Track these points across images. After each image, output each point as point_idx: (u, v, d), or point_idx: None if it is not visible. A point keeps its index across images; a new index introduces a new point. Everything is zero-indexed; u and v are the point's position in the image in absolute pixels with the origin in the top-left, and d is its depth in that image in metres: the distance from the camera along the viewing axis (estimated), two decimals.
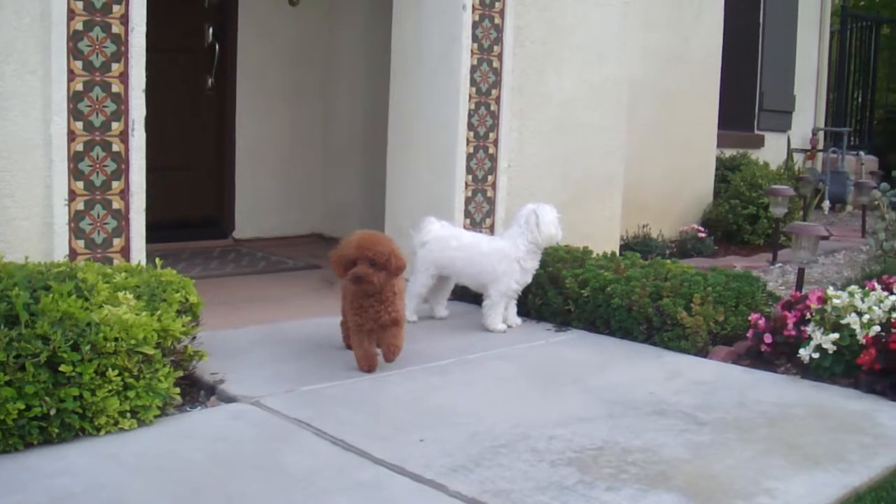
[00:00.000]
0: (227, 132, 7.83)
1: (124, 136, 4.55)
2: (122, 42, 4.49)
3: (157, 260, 4.32)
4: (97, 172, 4.50)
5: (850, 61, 15.59)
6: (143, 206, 4.65)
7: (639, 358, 4.78)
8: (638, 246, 7.81)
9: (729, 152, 10.16)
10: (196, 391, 4.01)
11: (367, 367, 4.29)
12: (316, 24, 8.25)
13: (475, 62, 5.90)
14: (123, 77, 4.53)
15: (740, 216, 8.99)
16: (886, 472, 3.28)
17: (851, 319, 4.40)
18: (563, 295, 5.34)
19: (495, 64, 6.01)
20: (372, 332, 4.27)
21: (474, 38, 5.88)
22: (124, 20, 4.49)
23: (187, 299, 4.05)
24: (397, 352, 4.30)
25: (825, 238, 5.91)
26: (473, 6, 5.88)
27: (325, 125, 8.42)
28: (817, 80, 13.51)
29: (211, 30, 7.57)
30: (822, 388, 4.30)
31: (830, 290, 4.63)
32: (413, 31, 6.15)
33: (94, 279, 3.77)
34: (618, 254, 6.00)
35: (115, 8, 4.47)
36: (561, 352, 4.90)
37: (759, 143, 11.65)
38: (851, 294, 4.56)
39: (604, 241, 6.68)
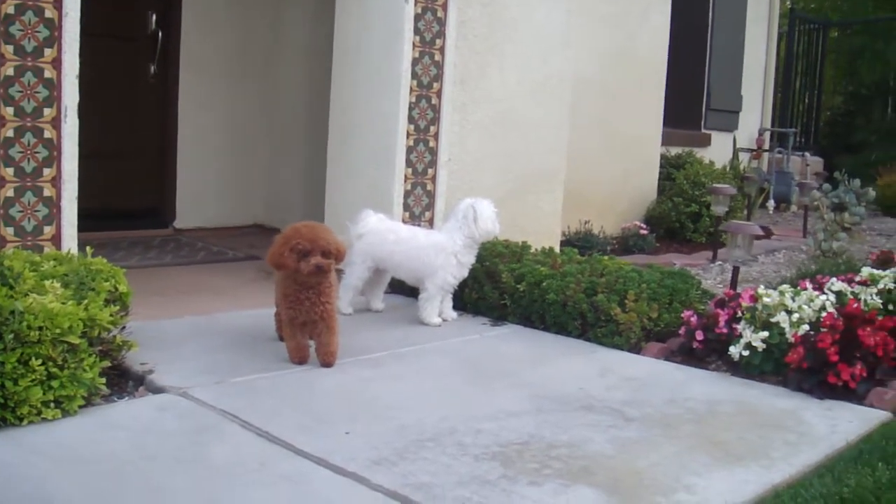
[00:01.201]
0: (170, 121, 7.76)
1: (56, 123, 4.48)
2: (55, 27, 4.42)
3: (87, 248, 4.27)
4: (28, 159, 4.43)
5: (797, 63, 15.74)
6: (75, 193, 4.59)
7: (572, 353, 4.79)
8: (580, 242, 7.84)
9: (675, 150, 10.22)
10: (125, 381, 3.97)
11: (299, 359, 4.27)
12: (261, 13, 8.20)
13: (417, 55, 5.88)
14: (56, 63, 4.46)
15: (683, 214, 9.05)
16: (807, 470, 3.31)
17: (781, 318, 4.45)
18: (500, 290, 5.35)
19: (437, 57, 6.00)
20: (305, 324, 4.25)
21: (416, 31, 5.87)
22: (58, 5, 4.42)
23: (117, 288, 4.01)
24: (332, 357, 4.27)
25: (761, 237, 5.97)
26: None
27: (268, 116, 8.37)
28: (765, 80, 13.62)
29: (154, 17, 7.50)
30: (751, 386, 4.33)
31: (761, 289, 4.67)
32: (356, 22, 6.12)
33: (20, 267, 3.72)
34: (558, 250, 6.01)
35: None
36: (495, 346, 4.91)
37: (705, 141, 11.72)
38: (782, 293, 4.61)
39: (544, 236, 6.69)
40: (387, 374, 4.26)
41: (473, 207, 5.10)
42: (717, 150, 11.68)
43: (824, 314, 4.45)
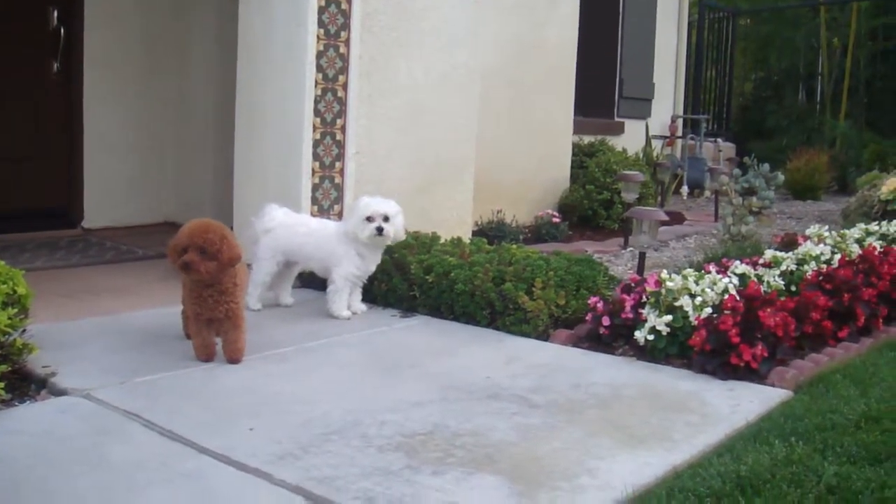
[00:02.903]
0: (75, 119, 7.64)
1: None
2: None
3: None
4: None
5: (708, 51, 15.97)
6: None
7: (480, 342, 4.81)
8: (492, 231, 7.88)
9: (588, 139, 10.30)
10: (27, 385, 3.89)
11: (205, 356, 4.23)
12: (167, 8, 8.11)
13: (322, 48, 5.85)
14: None
15: (595, 201, 9.14)
16: (708, 450, 3.36)
17: (685, 302, 4.51)
18: (409, 281, 5.36)
19: (342, 50, 5.97)
20: (211, 321, 4.21)
21: (321, 24, 5.83)
22: None
23: (15, 291, 3.94)
24: (239, 354, 4.25)
25: (669, 223, 6.04)
26: None
27: (178, 111, 8.28)
28: (676, 68, 13.80)
29: (56, 13, 7.37)
30: (656, 370, 4.39)
31: (665, 274, 4.73)
32: (260, 16, 6.07)
33: None
34: (468, 240, 6.02)
35: None
36: (403, 338, 4.91)
37: (619, 129, 11.84)
38: (685, 277, 4.68)
39: (456, 226, 6.71)
40: (294, 368, 4.24)
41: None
42: (631, 138, 11.81)
43: (726, 297, 4.52)
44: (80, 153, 7.67)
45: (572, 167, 9.73)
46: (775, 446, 3.29)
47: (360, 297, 5.31)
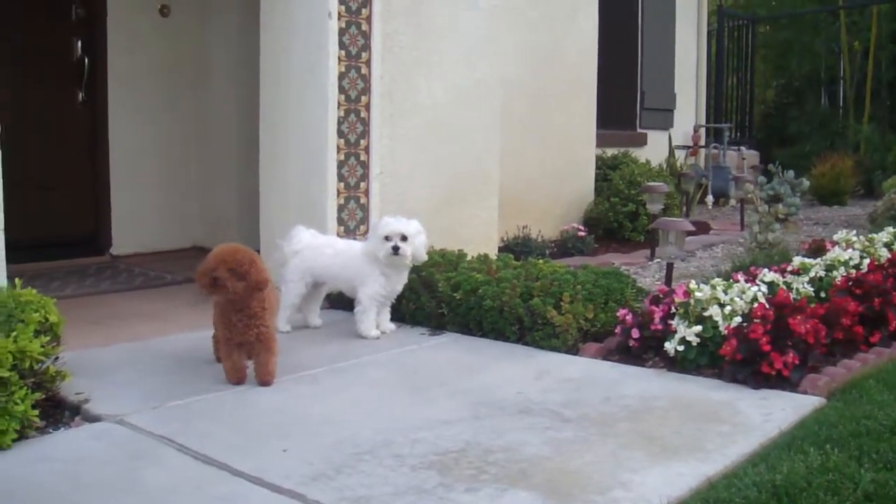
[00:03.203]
0: (101, 146, 7.69)
1: None
2: None
3: (16, 280, 4.22)
4: None
5: (728, 59, 15.95)
6: (2, 225, 4.53)
7: (510, 358, 4.81)
8: (518, 247, 7.87)
9: (612, 151, 10.30)
10: (60, 412, 3.92)
11: (236, 379, 4.25)
12: (188, 34, 8.17)
13: (343, 69, 5.88)
14: None
15: (620, 214, 9.13)
16: (742, 459, 3.34)
17: (714, 311, 4.49)
18: (437, 299, 5.37)
19: (364, 70, 6.00)
20: (241, 345, 4.23)
21: (342, 46, 5.87)
22: None
23: (47, 319, 3.97)
24: (270, 377, 4.27)
25: (695, 233, 6.03)
26: (340, 14, 5.86)
27: (201, 136, 8.33)
28: (697, 78, 13.78)
29: (80, 43, 7.44)
30: (687, 380, 4.37)
31: (693, 284, 4.72)
32: (281, 39, 6.12)
33: None
34: (495, 256, 6.03)
35: None
36: (433, 355, 4.91)
37: (641, 141, 11.84)
38: (714, 287, 4.66)
39: (481, 243, 6.71)
40: (324, 389, 4.25)
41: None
42: (654, 149, 11.80)
43: (756, 305, 4.50)
44: (106, 180, 7.73)
45: (596, 180, 9.73)
46: (810, 454, 3.27)
47: (388, 316, 5.32)
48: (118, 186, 7.78)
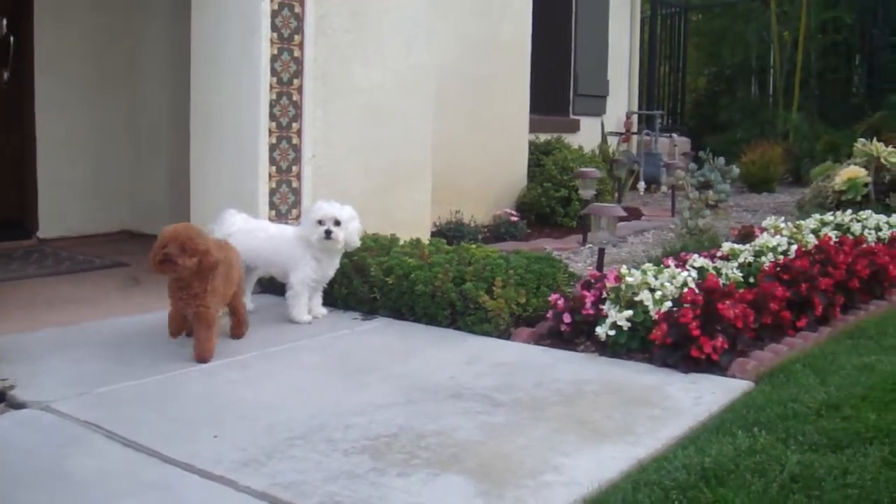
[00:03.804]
0: (26, 128, 7.53)
1: None
2: None
3: None
4: None
5: (661, 47, 16.08)
6: None
7: (442, 343, 4.81)
8: (451, 232, 7.87)
9: (545, 137, 10.33)
10: None
11: (173, 331, 4.46)
12: (119, 13, 8.03)
13: (276, 52, 5.82)
14: None
15: (553, 199, 9.17)
16: (672, 442, 3.38)
17: (644, 296, 4.53)
18: (369, 283, 5.35)
19: (297, 53, 5.94)
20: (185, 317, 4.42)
21: (274, 28, 5.80)
22: None
23: None
24: (206, 354, 4.33)
25: (627, 218, 6.07)
26: None
27: (132, 119, 8.21)
28: (630, 65, 13.87)
29: (4, 21, 7.27)
30: (618, 365, 4.41)
31: (624, 269, 4.76)
32: (212, 21, 6.03)
33: None
34: (427, 241, 6.02)
35: None
36: (365, 340, 4.90)
37: (574, 127, 11.89)
38: (644, 272, 4.70)
39: (414, 227, 6.69)
40: (256, 374, 4.21)
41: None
42: (587, 135, 11.86)
43: (686, 290, 4.55)
44: (32, 162, 7.57)
45: (529, 166, 9.76)
46: (738, 437, 3.32)
47: (320, 300, 5.29)
48: (45, 169, 7.63)
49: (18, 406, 3.74)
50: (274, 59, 5.82)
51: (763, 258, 5.52)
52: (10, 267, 6.52)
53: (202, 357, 4.31)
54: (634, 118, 13.75)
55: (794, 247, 5.65)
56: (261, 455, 3.20)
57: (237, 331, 4.80)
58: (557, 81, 11.88)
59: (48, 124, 7.62)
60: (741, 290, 4.70)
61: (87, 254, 7.11)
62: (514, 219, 8.73)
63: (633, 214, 10.05)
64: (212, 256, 4.27)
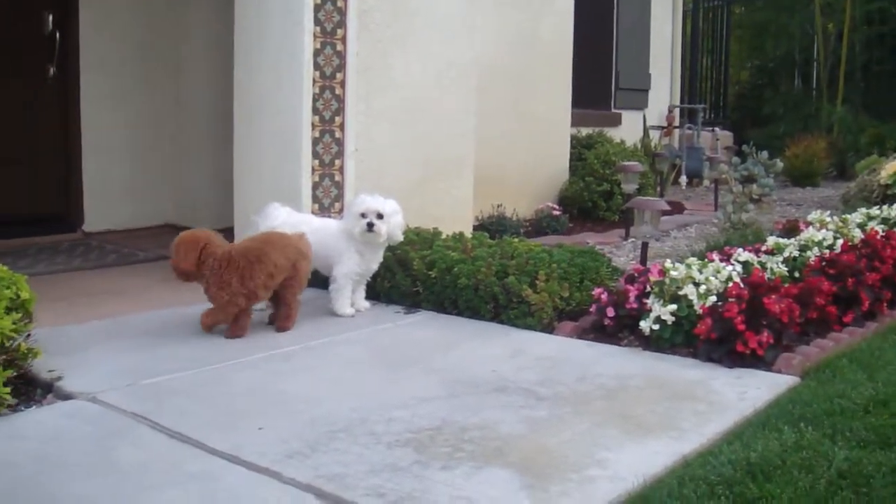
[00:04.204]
0: (72, 123, 7.62)
1: None
2: None
3: None
4: None
5: (703, 40, 15.96)
6: None
7: (485, 336, 4.81)
8: (493, 226, 7.86)
9: (586, 131, 10.27)
10: (33, 390, 3.89)
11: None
12: (163, 11, 8.10)
13: (318, 46, 5.84)
14: None
15: (595, 193, 9.13)
16: (717, 438, 3.36)
17: (689, 290, 4.50)
18: (412, 277, 5.35)
19: (339, 47, 5.96)
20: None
21: (317, 22, 5.82)
22: None
23: (18, 295, 3.93)
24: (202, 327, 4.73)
25: (670, 212, 6.03)
26: None
27: (176, 114, 8.27)
28: (672, 58, 13.77)
29: (51, 17, 7.35)
30: (662, 359, 4.38)
31: (668, 263, 4.72)
32: (256, 16, 6.05)
33: None
34: (470, 235, 6.01)
35: None
36: (408, 334, 4.90)
37: (616, 121, 11.83)
38: (689, 266, 4.67)
39: (457, 222, 6.69)
40: (298, 367, 4.23)
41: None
42: (628, 129, 11.80)
43: (731, 284, 4.51)
44: (77, 157, 7.66)
45: (571, 160, 9.72)
46: (784, 432, 3.29)
47: (363, 294, 5.31)
48: (90, 163, 7.71)
49: (66, 397, 3.78)
50: (317, 53, 5.83)
51: (808, 252, 5.46)
52: (56, 260, 6.59)
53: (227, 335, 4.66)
54: (676, 112, 13.66)
55: (840, 241, 5.59)
56: (304, 447, 3.21)
57: (280, 323, 4.84)
58: (599, 75, 11.82)
59: (92, 119, 7.70)
60: (786, 285, 4.66)
61: (131, 247, 7.18)
62: (556, 213, 8.71)
63: (676, 209, 9.99)
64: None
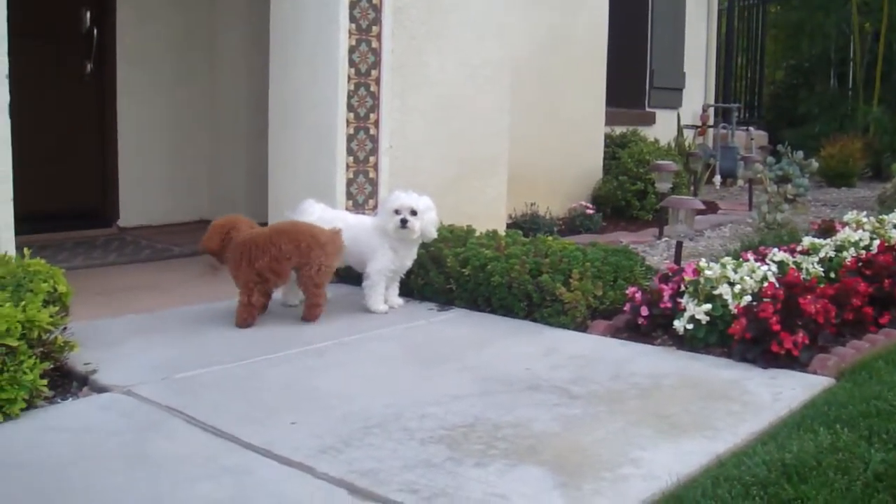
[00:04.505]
0: (109, 119, 7.67)
1: None
2: None
3: (25, 250, 4.22)
4: None
5: (738, 39, 15.86)
6: (10, 195, 4.53)
7: (518, 334, 4.80)
8: (526, 224, 7.85)
9: (620, 130, 10.24)
10: (69, 382, 3.93)
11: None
12: (198, 7, 8.14)
13: (353, 43, 5.85)
14: None
15: (629, 192, 9.10)
16: (751, 438, 3.34)
17: (724, 290, 4.48)
18: (445, 274, 5.36)
19: (374, 45, 5.97)
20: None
21: (352, 19, 5.83)
22: None
23: (56, 289, 3.97)
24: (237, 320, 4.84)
25: (704, 212, 6.01)
26: None
27: (211, 110, 8.32)
28: (706, 57, 13.70)
29: (88, 14, 7.41)
30: (696, 359, 4.37)
31: (703, 263, 4.70)
32: (291, 12, 6.08)
33: None
34: (503, 233, 6.01)
35: None
36: (441, 331, 4.91)
37: (650, 120, 11.79)
38: (723, 265, 4.65)
39: (490, 220, 6.69)
40: (332, 362, 4.25)
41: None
42: (662, 128, 11.75)
43: (766, 284, 4.49)
44: (114, 153, 7.71)
45: (605, 158, 9.69)
46: (820, 434, 3.26)
47: (397, 291, 5.31)
48: (126, 159, 7.77)
49: (101, 390, 3.82)
50: (352, 50, 5.85)
51: (844, 253, 5.42)
52: (92, 255, 6.63)
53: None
54: (711, 111, 13.59)
55: (877, 242, 5.55)
56: (338, 442, 3.22)
57: (303, 314, 4.95)
58: (633, 74, 11.77)
59: (129, 116, 7.75)
60: (822, 286, 4.62)
61: (166, 242, 7.22)
62: (590, 212, 8.69)
63: (710, 208, 9.94)
64: (230, 243, 4.83)
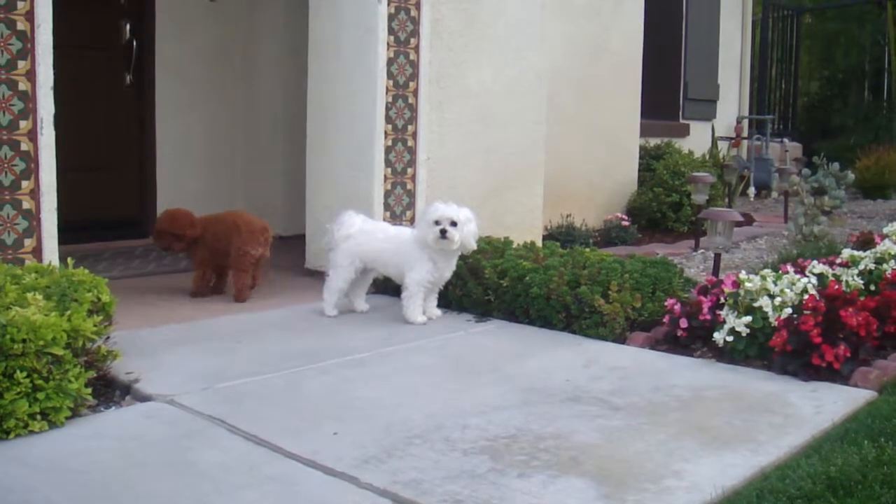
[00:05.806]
0: (147, 130, 7.75)
1: (33, 135, 4.48)
2: (27, 39, 4.42)
3: (69, 260, 4.26)
4: (6, 172, 4.42)
5: (772, 50, 15.81)
6: (55, 205, 4.58)
7: (557, 346, 4.80)
8: (561, 236, 7.85)
9: (654, 141, 10.24)
10: (111, 391, 3.97)
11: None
12: (235, 19, 8.20)
13: (392, 55, 5.89)
14: (30, 75, 4.45)
15: (664, 204, 9.08)
16: (794, 451, 3.32)
17: (764, 302, 4.46)
18: (483, 285, 5.36)
19: (412, 56, 6.00)
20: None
21: (390, 31, 5.87)
22: (30, 17, 4.41)
23: (99, 298, 4.00)
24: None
25: (741, 224, 6.00)
26: None
27: (248, 121, 8.37)
28: (741, 69, 13.67)
29: (128, 26, 7.49)
30: (736, 371, 4.35)
31: (743, 275, 4.69)
32: (329, 24, 6.12)
33: (1, 280, 3.73)
34: (540, 244, 6.02)
35: (20, 4, 4.39)
36: (480, 342, 4.92)
37: (684, 131, 11.77)
38: (764, 278, 4.62)
39: (526, 231, 6.71)
40: (372, 373, 4.26)
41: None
42: (696, 140, 11.73)
43: (806, 297, 4.46)
44: (152, 163, 7.79)
45: (639, 170, 9.69)
46: (864, 447, 3.24)
47: (435, 302, 5.32)
48: (164, 170, 7.84)
49: (143, 399, 3.84)
50: (390, 62, 5.88)
51: (885, 265, 5.38)
52: (131, 265, 6.69)
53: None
54: (745, 123, 13.55)
55: None
56: (380, 453, 3.23)
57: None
58: (667, 85, 11.76)
59: (167, 127, 7.83)
60: (863, 298, 4.59)
61: None
62: (625, 223, 8.68)
63: (745, 220, 9.90)
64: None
